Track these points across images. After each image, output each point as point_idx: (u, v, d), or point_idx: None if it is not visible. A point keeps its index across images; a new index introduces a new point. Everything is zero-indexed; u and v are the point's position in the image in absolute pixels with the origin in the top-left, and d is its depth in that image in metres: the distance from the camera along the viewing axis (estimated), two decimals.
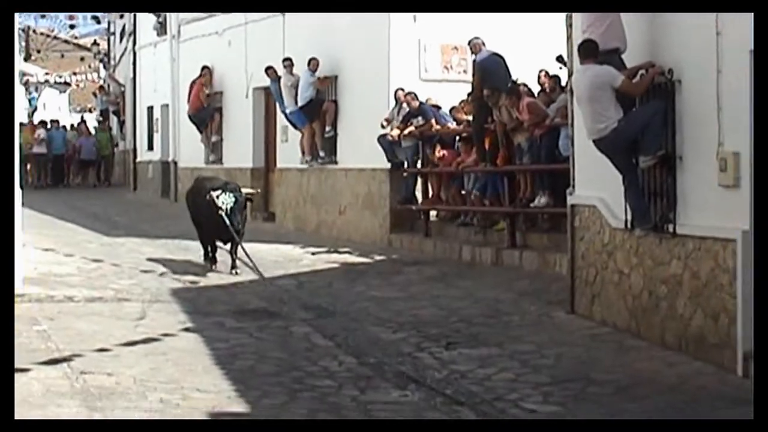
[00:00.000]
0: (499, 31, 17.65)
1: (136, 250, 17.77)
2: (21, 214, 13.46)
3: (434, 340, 10.87)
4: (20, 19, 19.41)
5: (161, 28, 29.54)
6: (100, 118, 39.72)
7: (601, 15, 10.90)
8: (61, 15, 40.77)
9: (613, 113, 10.60)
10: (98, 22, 41.39)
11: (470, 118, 17.07)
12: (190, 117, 25.92)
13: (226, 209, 14.43)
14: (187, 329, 11.34)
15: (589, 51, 10.85)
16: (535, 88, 16.40)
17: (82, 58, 46.32)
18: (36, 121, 38.36)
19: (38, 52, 46.74)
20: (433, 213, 18.48)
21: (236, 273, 15.01)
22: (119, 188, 34.58)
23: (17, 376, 9.05)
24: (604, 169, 11.15)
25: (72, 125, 39.01)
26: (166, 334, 10.97)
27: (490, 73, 16.53)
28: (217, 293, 13.74)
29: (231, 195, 14.69)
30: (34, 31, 44.42)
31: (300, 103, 20.47)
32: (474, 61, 17.09)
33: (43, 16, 39.95)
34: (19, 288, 12.95)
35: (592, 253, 11.99)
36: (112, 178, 37.04)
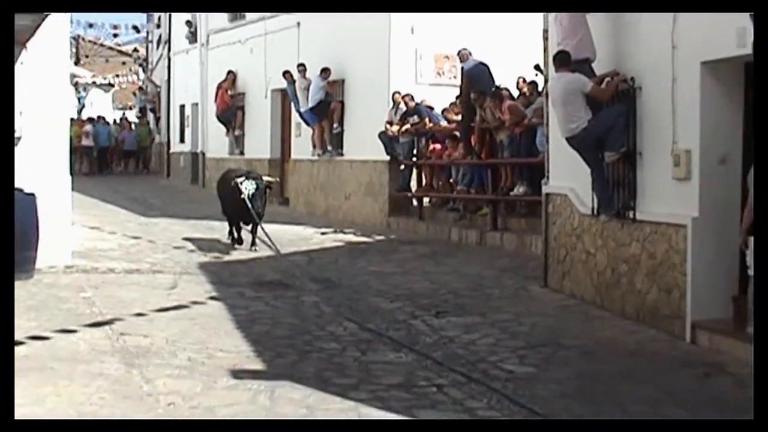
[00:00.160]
0: (485, 43, 17.66)
1: (168, 229, 17.78)
2: (71, 197, 13.47)
3: (426, 309, 10.87)
4: (71, 29, 19.35)
5: (192, 37, 29.54)
6: (139, 115, 39.78)
7: (573, 29, 10.90)
8: (106, 25, 40.73)
9: (583, 115, 10.61)
10: (138, 32, 41.36)
11: (459, 117, 17.09)
12: (217, 117, 25.94)
13: (249, 194, 14.46)
14: (212, 298, 11.35)
15: (562, 61, 10.85)
16: (515, 93, 16.40)
17: (123, 63, 46.29)
18: (84, 117, 38.41)
19: (86, 57, 46.74)
20: (425, 199, 18.51)
21: (255, 250, 15.02)
22: (155, 175, 34.56)
23: (65, 336, 9.10)
24: (574, 163, 11.16)
25: (115, 121, 39.03)
26: (194, 302, 10.99)
27: (476, 79, 16.59)
28: (239, 267, 13.76)
29: (253, 182, 14.72)
30: (83, 39, 44.37)
31: (311, 104, 20.51)
32: (462, 68, 17.14)
33: (90, 26, 39.87)
34: (68, 260, 12.99)
35: (563, 235, 12.00)
36: (150, 167, 37.06)
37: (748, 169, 8.93)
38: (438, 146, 17.75)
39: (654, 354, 9.08)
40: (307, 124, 21.23)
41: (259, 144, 24.53)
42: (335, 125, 20.70)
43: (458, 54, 17.13)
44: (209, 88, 27.24)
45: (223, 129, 26.03)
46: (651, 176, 10.22)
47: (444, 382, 7.93)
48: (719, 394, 7.80)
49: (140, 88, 41.03)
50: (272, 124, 24.11)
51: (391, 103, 18.56)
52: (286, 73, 21.38)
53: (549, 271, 12.30)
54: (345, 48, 20.25)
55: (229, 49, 26.19)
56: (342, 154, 20.72)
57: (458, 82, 17.56)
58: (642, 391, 7.77)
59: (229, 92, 25.49)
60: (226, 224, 15.76)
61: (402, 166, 18.85)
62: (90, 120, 36.92)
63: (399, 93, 18.37)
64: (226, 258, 14.50)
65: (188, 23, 29.72)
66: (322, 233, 17.43)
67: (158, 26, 35.68)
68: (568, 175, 11.76)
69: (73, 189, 13.58)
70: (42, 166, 12.74)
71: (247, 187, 14.50)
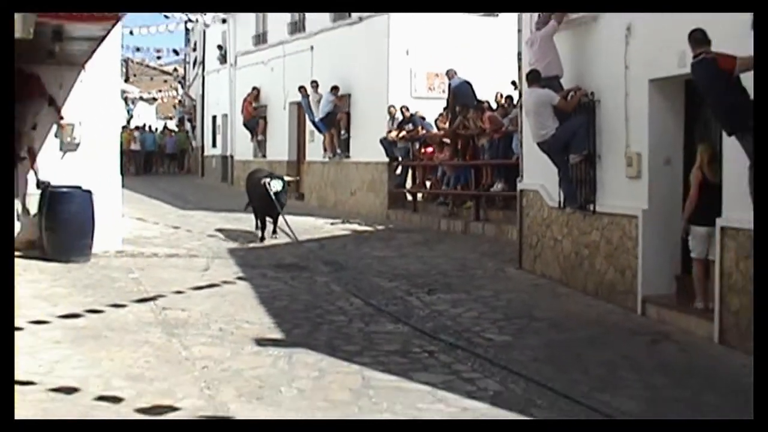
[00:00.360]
0: (469, 63, 17.71)
1: (203, 220, 17.78)
2: (121, 193, 13.46)
3: (419, 287, 10.86)
4: (122, 53, 19.36)
5: (222, 59, 29.51)
6: (178, 124, 39.75)
7: (544, 52, 10.92)
8: (151, 49, 40.87)
9: (552, 123, 10.62)
10: (177, 54, 41.29)
11: (447, 125, 17.08)
12: (244, 125, 25.93)
13: (275, 191, 14.47)
14: (239, 278, 11.32)
15: (534, 78, 10.86)
16: (494, 105, 16.39)
17: (165, 80, 46.22)
18: (133, 126, 38.42)
19: (134, 75, 46.69)
20: (419, 195, 18.49)
21: (275, 237, 15.00)
22: (192, 175, 34.54)
23: (116, 309, 9.10)
24: (544, 164, 11.16)
25: (158, 129, 39.05)
26: (224, 281, 10.97)
27: (461, 94, 16.68)
28: (262, 252, 13.75)
29: (279, 181, 14.73)
30: (131, 61, 44.31)
31: (322, 115, 20.50)
32: (449, 84, 17.16)
33: (138, 50, 39.87)
34: (119, 246, 12.99)
35: (534, 225, 12.00)
36: (187, 168, 37.05)
37: (689, 169, 8.97)
38: (429, 150, 17.73)
39: (611, 324, 9.10)
40: (320, 131, 21.22)
41: (279, 148, 24.51)
42: (343, 132, 20.71)
43: (446, 73, 17.23)
44: (237, 101, 27.21)
45: (249, 135, 26.01)
46: (608, 175, 10.22)
47: (435, 349, 7.93)
48: (665, 358, 7.82)
49: (179, 102, 41.00)
50: (290, 131, 24.07)
51: (388, 116, 18.58)
52: (301, 88, 21.35)
53: (523, 255, 12.29)
54: (351, 67, 20.23)
55: (254, 69, 26.16)
56: (349, 157, 20.70)
57: (446, 96, 17.56)
58: (601, 356, 7.77)
59: (253, 104, 25.48)
60: (251, 216, 15.73)
61: (399, 167, 18.85)
62: (138, 128, 37.03)
63: (393, 106, 18.47)
64: (251, 245, 14.49)
65: (219, 47, 29.70)
66: (332, 223, 17.42)
67: (194, 49, 35.61)
68: (538, 174, 11.75)
69: (122, 186, 13.57)
70: (97, 167, 12.75)
71: (274, 186, 14.52)
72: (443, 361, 7.52)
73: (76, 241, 11.86)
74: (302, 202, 22.15)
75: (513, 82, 14.79)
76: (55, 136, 12.72)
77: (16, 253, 10.96)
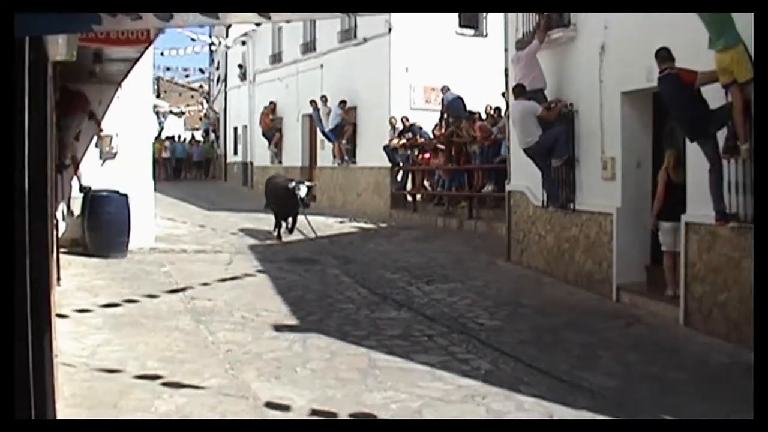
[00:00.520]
0: (462, 78, 17.75)
1: (226, 220, 17.80)
2: (154, 196, 13.50)
3: (419, 278, 10.88)
4: (153, 72, 19.36)
5: (243, 76, 29.48)
6: (204, 135, 39.71)
7: (530, 68, 10.93)
8: (179, 68, 40.90)
9: (536, 131, 10.63)
10: (203, 73, 41.39)
11: (442, 134, 17.09)
12: (263, 134, 25.94)
13: (302, 195, 14.54)
14: (259, 271, 11.35)
15: (519, 92, 10.88)
16: (484, 115, 16.38)
17: (192, 96, 46.22)
18: (164, 137, 38.43)
19: (165, 92, 46.70)
20: (418, 196, 18.48)
21: (290, 233, 14.99)
22: (216, 180, 34.52)
23: (150, 299, 9.14)
24: (529, 167, 11.18)
25: (186, 139, 39.04)
26: (245, 274, 11.01)
27: (454, 108, 16.84)
28: (279, 248, 13.77)
29: (304, 186, 14.80)
30: (162, 78, 44.39)
31: (331, 126, 20.50)
32: (443, 99, 17.25)
33: (168, 69, 40.04)
34: (152, 243, 13.02)
35: (521, 222, 12.01)
36: (213, 174, 37.05)
37: (657, 171, 8.99)
38: (427, 156, 17.73)
39: (589, 310, 9.12)
40: (329, 140, 21.21)
41: (293, 155, 24.49)
42: (345, 142, 20.72)
43: (441, 89, 17.42)
44: (255, 114, 27.18)
45: (266, 144, 26.02)
46: (586, 177, 10.24)
47: (433, 333, 7.97)
48: (637, 339, 7.84)
49: (205, 115, 40.97)
50: (302, 140, 24.04)
51: (389, 126, 18.61)
52: (312, 102, 21.36)
53: (511, 249, 12.30)
54: (356, 83, 20.22)
55: (270, 85, 26.14)
56: (355, 163, 20.67)
57: (441, 107, 17.62)
58: (581, 338, 7.80)
59: (271, 117, 25.45)
60: (269, 216, 15.71)
61: (400, 171, 18.84)
62: (168, 139, 36.99)
63: (394, 117, 18.51)
64: (269, 241, 14.52)
65: (240, 66, 29.68)
66: (340, 222, 17.44)
67: (218, 68, 35.57)
68: (524, 177, 11.76)
69: (155, 190, 13.60)
70: (133, 173, 12.77)
71: (301, 189, 14.60)
72: (441, 344, 7.55)
73: (114, 239, 11.91)
74: (314, 203, 22.01)
75: (503, 94, 14.80)
76: (96, 146, 12.77)
77: (62, 250, 11.00)
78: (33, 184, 3.23)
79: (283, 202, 14.93)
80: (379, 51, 19.03)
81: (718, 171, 7.44)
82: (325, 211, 19.72)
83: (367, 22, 19.17)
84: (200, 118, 43.00)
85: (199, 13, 2.83)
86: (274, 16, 3.10)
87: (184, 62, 74.85)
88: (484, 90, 17.12)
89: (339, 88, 20.67)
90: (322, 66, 22.06)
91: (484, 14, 18.68)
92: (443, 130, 17.07)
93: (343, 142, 20.67)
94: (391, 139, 18.49)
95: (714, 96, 7.35)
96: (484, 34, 19.12)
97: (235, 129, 31.42)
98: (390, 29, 18.50)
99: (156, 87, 41.40)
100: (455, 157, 16.38)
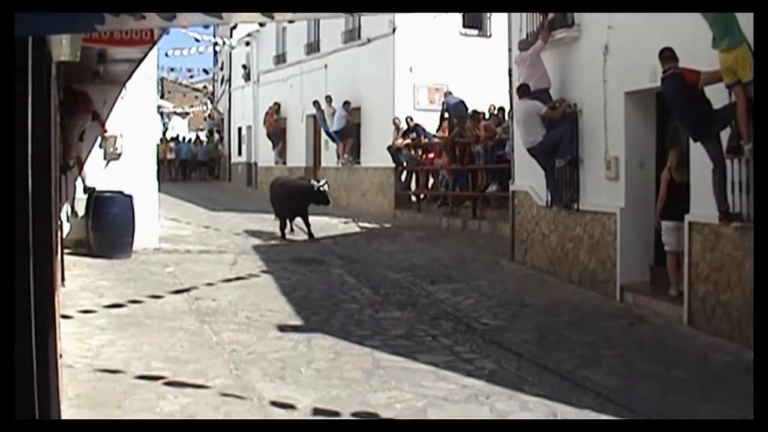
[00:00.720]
0: (466, 78, 17.81)
1: (230, 220, 17.82)
2: (158, 197, 13.52)
3: (423, 278, 10.87)
4: (158, 72, 19.39)
5: (247, 77, 29.52)
6: (208, 135, 39.75)
7: (535, 68, 10.93)
8: (183, 69, 40.89)
9: (540, 131, 10.63)
10: (207, 73, 41.27)
11: (445, 134, 17.10)
12: (267, 135, 25.96)
13: (327, 191, 14.67)
14: (263, 271, 11.35)
15: (524, 91, 10.87)
16: (488, 115, 16.39)
17: (196, 96, 46.22)
18: (168, 137, 38.49)
19: (169, 92, 46.71)
20: (422, 196, 18.48)
21: (310, 238, 14.76)
22: (221, 180, 34.58)
23: (155, 300, 9.15)
24: (533, 167, 11.17)
25: (191, 139, 39.08)
26: (249, 274, 11.00)
27: (456, 110, 16.92)
28: (283, 248, 13.78)
29: (326, 184, 14.94)
30: (166, 79, 44.36)
31: (336, 127, 20.51)
32: (445, 102, 17.36)
33: (172, 70, 40.00)
34: (156, 244, 13.04)
35: (525, 221, 12.01)
36: (217, 174, 37.09)
37: (661, 171, 8.98)
38: (431, 156, 17.74)
39: (593, 309, 9.11)
40: (333, 140, 21.23)
41: (297, 155, 24.52)
42: (353, 141, 20.75)
43: (444, 93, 17.65)
44: (260, 114, 27.22)
45: (271, 144, 26.04)
46: (590, 177, 10.23)
47: (437, 333, 7.96)
48: (641, 338, 7.84)
49: (209, 115, 41.00)
50: (307, 140, 24.07)
51: (393, 126, 18.62)
52: (315, 103, 21.39)
53: (515, 248, 12.30)
54: (361, 83, 20.24)
55: (274, 86, 26.18)
56: (359, 163, 20.70)
57: (441, 110, 17.68)
58: (584, 337, 7.79)
59: (275, 117, 25.50)
60: (272, 216, 15.70)
61: (404, 172, 18.84)
62: (173, 139, 37.06)
63: (398, 118, 18.51)
64: (273, 241, 14.53)
65: (244, 66, 29.71)
66: (345, 222, 17.45)
67: (222, 69, 35.60)
68: (528, 177, 11.75)
69: (159, 191, 13.61)
70: (137, 174, 12.79)
71: (325, 187, 14.80)
72: (445, 344, 7.55)
73: (118, 239, 11.93)
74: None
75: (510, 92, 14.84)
76: (100, 146, 12.79)
77: (66, 251, 11.01)
78: (37, 185, 3.23)
79: (289, 203, 14.94)
80: (383, 51, 19.04)
81: (721, 171, 7.43)
82: (329, 211, 19.71)
83: (371, 23, 19.18)
84: (204, 119, 43.01)
85: (203, 12, 2.82)
86: (278, 15, 3.09)
87: (188, 63, 74.99)
88: (488, 90, 17.14)
89: (343, 88, 20.69)
90: (326, 66, 22.08)
91: (488, 14, 18.67)
92: (445, 133, 17.08)
93: (353, 141, 20.72)
94: (395, 140, 18.51)
95: (717, 96, 7.34)
96: (488, 34, 19.11)
97: (240, 129, 31.46)
98: (394, 29, 18.52)
99: (160, 87, 41.42)
100: (459, 157, 16.38)
